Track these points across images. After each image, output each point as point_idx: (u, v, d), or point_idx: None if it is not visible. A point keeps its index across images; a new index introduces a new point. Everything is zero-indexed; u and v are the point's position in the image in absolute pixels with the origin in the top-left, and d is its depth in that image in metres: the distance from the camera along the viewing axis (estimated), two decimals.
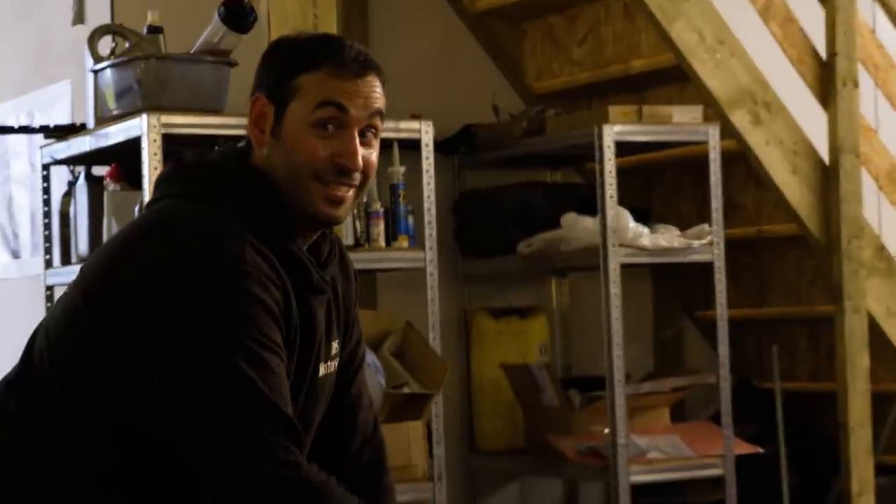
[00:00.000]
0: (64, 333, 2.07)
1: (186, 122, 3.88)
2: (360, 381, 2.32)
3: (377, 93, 2.12)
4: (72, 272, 3.97)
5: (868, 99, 4.51)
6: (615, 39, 5.10)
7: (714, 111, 4.39)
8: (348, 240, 4.16)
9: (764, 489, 4.67)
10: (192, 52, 3.95)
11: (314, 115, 2.08)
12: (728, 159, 4.58)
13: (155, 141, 3.82)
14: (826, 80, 4.35)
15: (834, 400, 4.30)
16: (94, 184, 4.18)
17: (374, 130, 2.13)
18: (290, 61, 2.12)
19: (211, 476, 1.97)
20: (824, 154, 4.35)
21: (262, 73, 2.14)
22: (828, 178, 4.33)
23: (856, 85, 4.33)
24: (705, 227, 4.55)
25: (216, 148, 2.29)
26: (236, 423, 1.94)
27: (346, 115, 2.09)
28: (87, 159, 4.27)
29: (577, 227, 4.59)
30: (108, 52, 4.02)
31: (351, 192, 2.11)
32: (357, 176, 2.11)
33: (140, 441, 2.03)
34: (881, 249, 4.33)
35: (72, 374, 2.04)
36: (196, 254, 2.00)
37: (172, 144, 3.78)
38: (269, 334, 1.99)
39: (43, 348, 2.09)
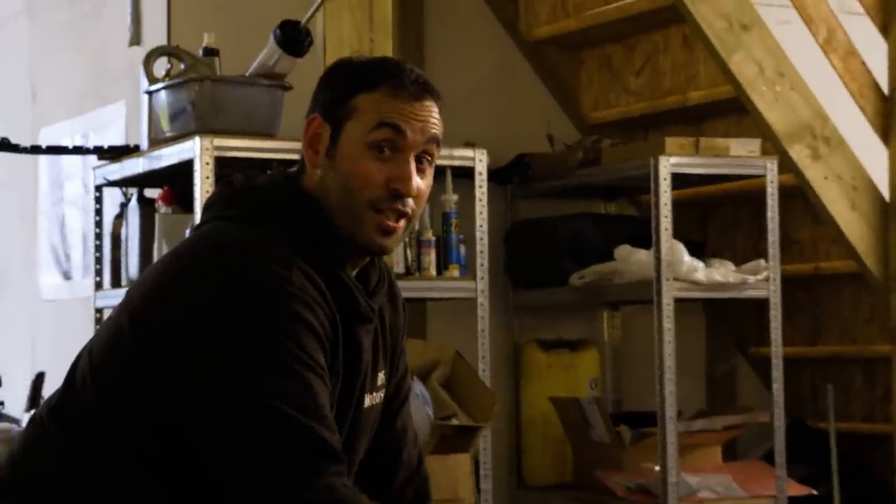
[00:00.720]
0: (107, 357, 2.06)
1: (240, 146, 3.90)
2: (405, 415, 2.30)
3: (435, 118, 2.10)
4: (121, 295, 3.97)
5: None
6: (673, 70, 5.09)
7: (772, 145, 4.38)
8: (399, 268, 4.17)
9: None
10: (247, 74, 3.96)
11: (370, 137, 2.06)
12: (785, 194, 4.56)
13: (207, 164, 3.83)
14: (887, 114, 4.34)
15: (890, 442, 4.28)
16: (146, 206, 4.20)
17: (429, 158, 2.10)
18: (347, 81, 2.10)
19: (248, 501, 1.94)
20: (884, 190, 4.32)
21: (319, 93, 2.13)
22: (887, 215, 4.30)
23: None
24: (761, 262, 4.54)
25: (267, 172, 2.27)
26: (273, 448, 1.92)
27: (403, 139, 2.07)
28: (140, 181, 4.29)
29: (631, 259, 4.58)
30: (163, 73, 4.05)
31: (402, 223, 2.09)
32: (409, 202, 2.09)
33: (179, 469, 2.01)
34: None
35: (113, 399, 2.03)
36: (243, 276, 1.98)
37: (225, 168, 3.79)
38: (314, 355, 1.97)
39: (86, 372, 2.07)
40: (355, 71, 2.11)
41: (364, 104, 2.07)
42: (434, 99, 2.10)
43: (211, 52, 4.02)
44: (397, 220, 2.08)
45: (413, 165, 2.08)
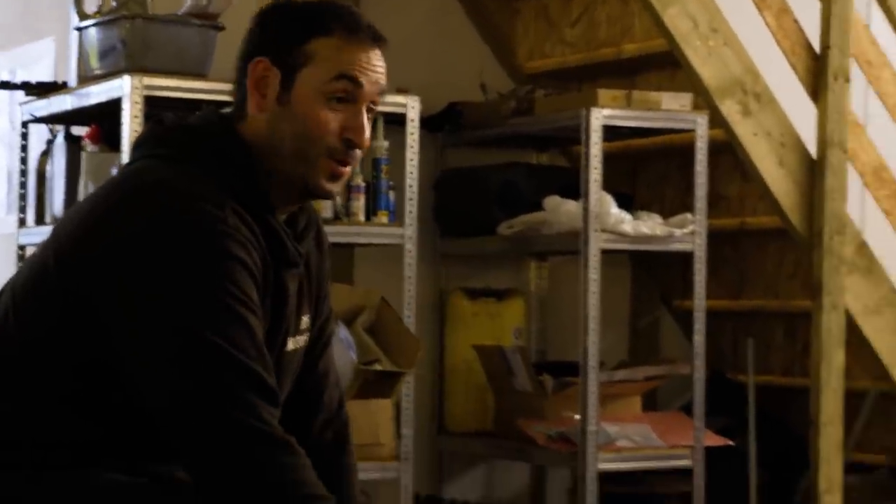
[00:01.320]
0: (30, 295, 2.05)
1: (170, 85, 3.90)
2: (327, 358, 2.31)
3: (383, 67, 2.13)
4: (45, 232, 3.95)
5: (858, 95, 4.53)
6: (609, 22, 5.11)
7: (703, 99, 4.41)
8: (328, 213, 4.18)
9: (732, 482, 4.71)
10: (179, 13, 3.93)
11: (329, 87, 2.08)
12: (715, 149, 4.61)
13: (136, 103, 3.83)
14: (818, 73, 4.36)
15: (807, 395, 4.34)
16: (73, 143, 4.17)
17: (373, 106, 2.13)
18: (299, 24, 2.09)
19: (183, 436, 1.95)
20: (812, 148, 4.37)
21: (262, 35, 2.11)
22: (814, 173, 4.35)
23: (847, 80, 4.35)
24: (688, 216, 4.59)
25: (197, 112, 2.26)
26: (209, 382, 1.93)
27: (359, 90, 2.10)
28: (68, 118, 4.26)
29: (560, 210, 4.61)
30: (94, 9, 4.01)
31: (348, 168, 2.12)
32: (359, 152, 2.12)
33: (106, 408, 2.02)
34: (863, 246, 4.36)
35: (37, 337, 2.03)
36: (173, 214, 1.98)
37: (154, 107, 3.79)
38: (249, 293, 1.98)
39: (8, 308, 2.07)
40: (306, 14, 2.11)
41: (321, 50, 2.08)
42: (382, 47, 2.12)
43: None
44: (347, 168, 2.11)
45: (365, 116, 2.10)
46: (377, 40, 2.11)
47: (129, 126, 3.80)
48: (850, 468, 4.35)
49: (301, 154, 2.08)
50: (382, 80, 2.11)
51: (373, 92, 2.10)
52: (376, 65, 2.10)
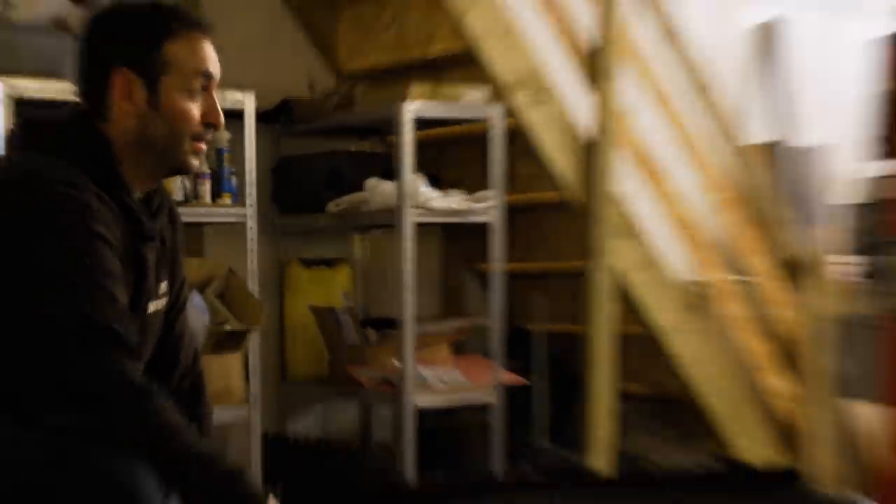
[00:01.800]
0: None
1: (35, 87, 3.94)
2: (182, 320, 2.49)
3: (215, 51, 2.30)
4: None
5: (628, 86, 4.52)
6: (417, 27, 5.19)
7: (499, 92, 4.46)
8: (178, 196, 4.32)
9: (525, 414, 4.97)
10: (41, 24, 4.03)
11: (190, 86, 2.23)
12: (510, 135, 4.75)
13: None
14: (593, 67, 4.42)
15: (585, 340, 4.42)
16: None
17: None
18: (145, 31, 2.22)
19: (56, 390, 2.07)
20: (589, 131, 4.44)
21: (112, 44, 2.23)
22: (590, 154, 4.45)
23: (617, 73, 4.40)
24: (487, 192, 4.76)
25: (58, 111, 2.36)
26: (71, 343, 2.06)
27: (211, 80, 2.27)
28: None
29: (379, 190, 4.75)
30: None
31: (206, 145, 2.31)
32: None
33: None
34: (627, 215, 4.54)
35: None
36: (42, 199, 2.10)
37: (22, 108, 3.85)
38: (111, 265, 2.12)
39: None
40: (146, 19, 2.24)
41: (175, 56, 2.22)
42: (212, 34, 2.29)
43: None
44: (205, 143, 2.31)
45: (217, 99, 2.29)
46: (209, 30, 2.27)
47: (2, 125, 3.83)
48: (623, 398, 4.48)
49: (173, 144, 2.23)
50: (218, 62, 2.28)
51: (218, 76, 2.27)
52: (214, 52, 2.26)
